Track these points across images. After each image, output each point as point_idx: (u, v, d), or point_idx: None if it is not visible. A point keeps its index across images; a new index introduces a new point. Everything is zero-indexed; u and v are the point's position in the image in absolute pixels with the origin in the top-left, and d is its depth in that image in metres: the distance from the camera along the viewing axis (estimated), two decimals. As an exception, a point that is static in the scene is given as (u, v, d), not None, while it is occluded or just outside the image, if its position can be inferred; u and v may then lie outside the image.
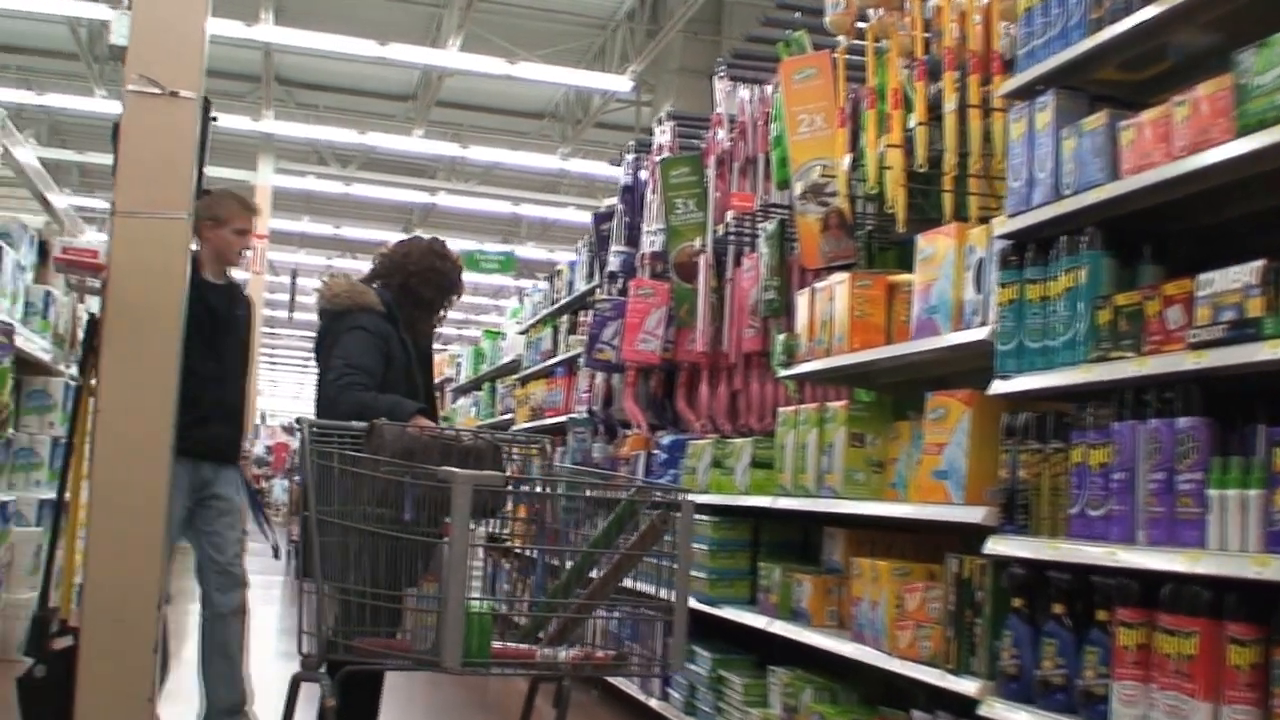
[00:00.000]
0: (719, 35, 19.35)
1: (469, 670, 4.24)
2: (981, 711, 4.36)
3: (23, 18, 20.28)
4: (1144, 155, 3.94)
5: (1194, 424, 3.70)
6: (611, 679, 8.67)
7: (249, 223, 7.04)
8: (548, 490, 5.12)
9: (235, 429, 6.96)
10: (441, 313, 6.39)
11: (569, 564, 4.75)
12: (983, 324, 4.73)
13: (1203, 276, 3.69)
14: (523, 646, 4.52)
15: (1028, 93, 4.58)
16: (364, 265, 31.42)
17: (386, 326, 6.04)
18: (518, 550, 4.80)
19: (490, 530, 4.94)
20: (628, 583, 4.71)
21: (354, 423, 4.94)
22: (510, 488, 4.76)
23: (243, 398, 7.05)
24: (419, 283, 6.22)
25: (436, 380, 22.27)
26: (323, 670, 4.45)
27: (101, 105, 20.86)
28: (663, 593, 4.52)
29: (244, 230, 6.99)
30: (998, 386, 4.49)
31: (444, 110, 23.77)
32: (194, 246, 6.71)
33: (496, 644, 4.41)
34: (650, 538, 4.52)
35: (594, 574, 4.70)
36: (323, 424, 4.81)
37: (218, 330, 6.74)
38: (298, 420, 4.60)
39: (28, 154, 9.80)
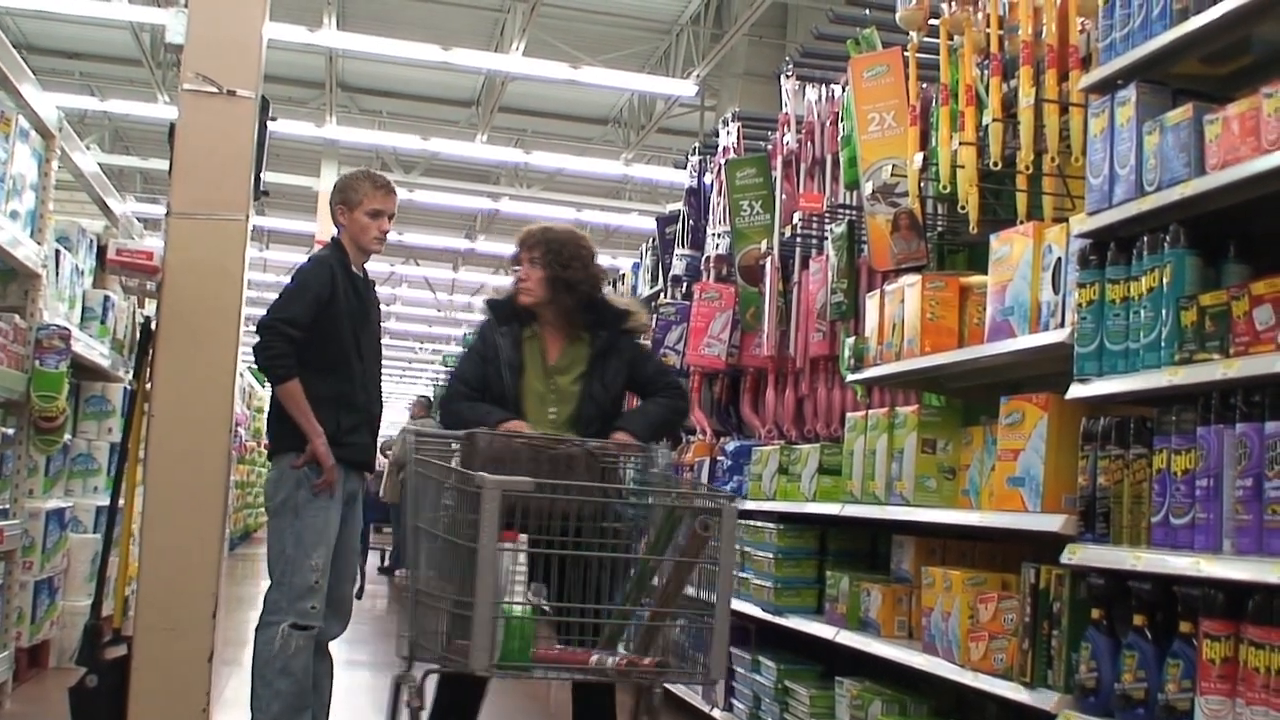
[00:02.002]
0: (784, 39, 19.28)
1: (501, 672, 4.40)
2: (1058, 726, 4.24)
3: (85, 23, 20.40)
4: (1231, 150, 3.80)
5: (1284, 428, 3.56)
6: (672, 688, 8.58)
7: (386, 202, 6.46)
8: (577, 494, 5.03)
9: (375, 437, 6.60)
10: (523, 273, 5.96)
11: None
12: (1060, 326, 4.60)
13: (1294, 274, 3.56)
14: (578, 651, 4.64)
15: (1108, 87, 4.45)
16: (426, 271, 31.27)
17: (486, 330, 6.02)
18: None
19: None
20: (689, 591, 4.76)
21: (457, 431, 5.21)
22: (541, 492, 4.68)
23: (379, 403, 6.61)
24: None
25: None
26: (410, 671, 4.64)
27: (164, 111, 20.88)
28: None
29: (380, 211, 6.42)
30: (1077, 390, 4.35)
31: (507, 116, 23.74)
32: (333, 233, 6.51)
33: (555, 648, 4.58)
34: (697, 544, 4.57)
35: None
36: (425, 433, 5.08)
37: (360, 328, 6.39)
38: (402, 430, 4.78)
39: (87, 159, 9.78)
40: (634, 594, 4.89)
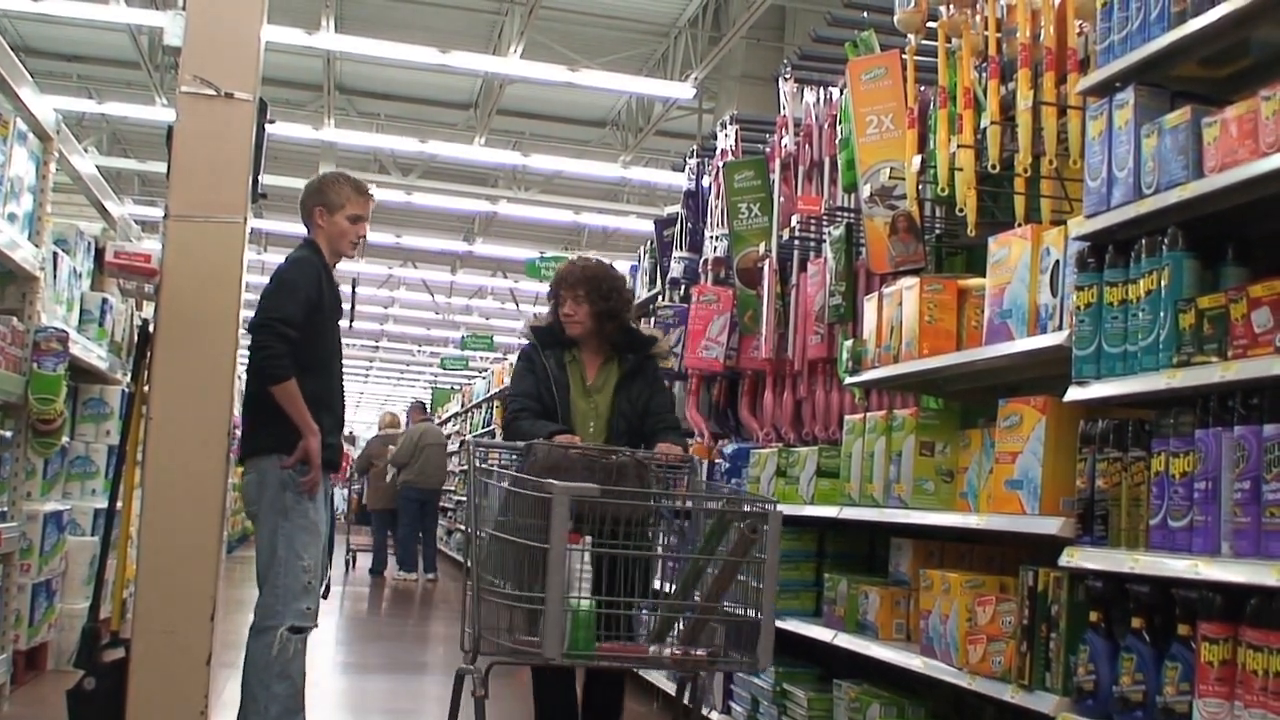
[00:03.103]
0: (781, 41, 19.28)
1: (570, 660, 4.97)
2: (1057, 729, 4.24)
3: (83, 26, 20.38)
4: (1229, 152, 3.80)
5: (1282, 431, 3.56)
6: (673, 694, 8.63)
7: (366, 208, 6.50)
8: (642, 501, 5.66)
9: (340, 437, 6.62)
10: (561, 309, 6.66)
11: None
12: (1059, 328, 4.60)
13: (1292, 277, 3.55)
14: (628, 646, 5.24)
15: (1106, 89, 4.45)
16: (424, 274, 31.18)
17: (531, 352, 6.74)
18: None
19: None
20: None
21: (517, 442, 5.87)
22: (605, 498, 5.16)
23: (344, 405, 6.65)
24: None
25: (498, 389, 22.30)
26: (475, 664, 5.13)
27: (162, 114, 20.80)
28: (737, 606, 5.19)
29: (360, 217, 6.47)
30: (1075, 393, 4.35)
31: (505, 118, 23.72)
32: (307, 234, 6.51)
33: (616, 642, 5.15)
34: (743, 546, 5.05)
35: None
36: (485, 443, 5.57)
37: (335, 330, 6.45)
38: (463, 440, 5.15)
39: (85, 161, 9.78)
40: (684, 590, 5.41)
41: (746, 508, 5.27)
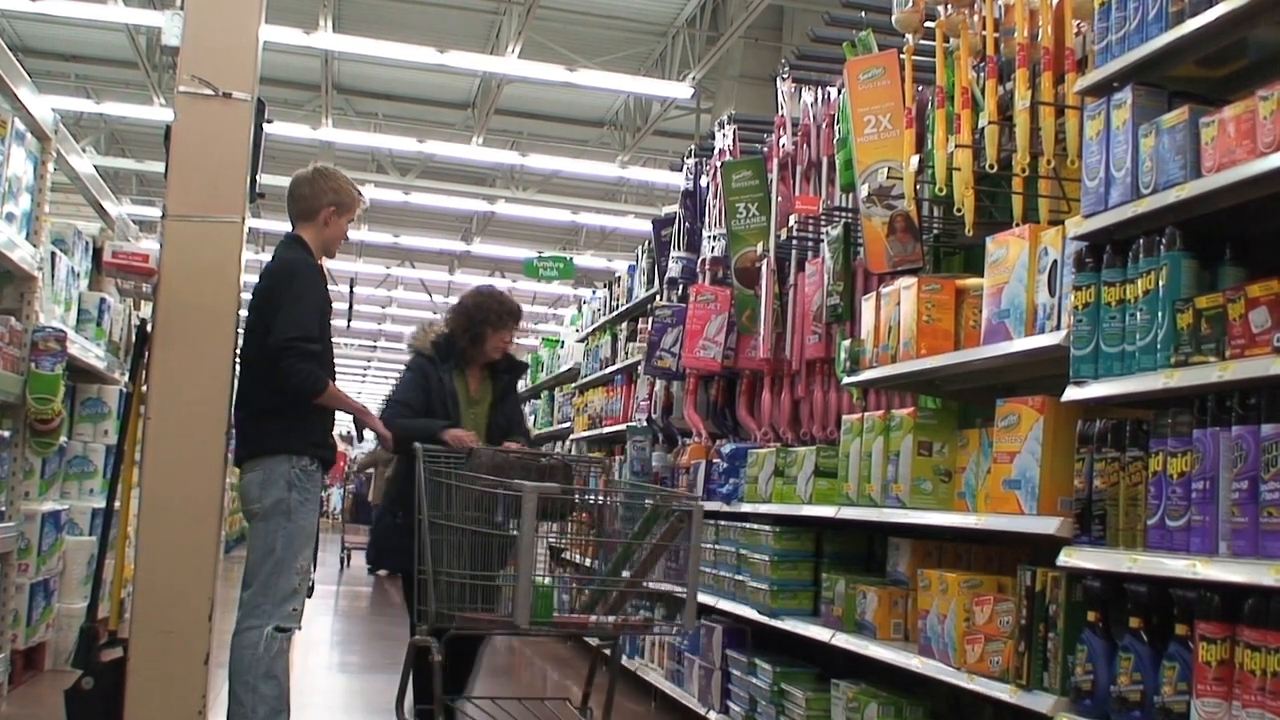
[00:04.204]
0: (779, 41, 19.27)
1: (535, 629, 5.50)
2: (1055, 729, 4.24)
3: (82, 26, 20.37)
4: (1227, 152, 3.80)
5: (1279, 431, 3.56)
6: (671, 693, 8.66)
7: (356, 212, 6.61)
8: (592, 498, 6.49)
9: None
10: (492, 336, 7.22)
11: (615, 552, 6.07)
12: (1056, 328, 4.60)
13: (1290, 277, 3.55)
14: (577, 616, 5.91)
15: (1104, 89, 4.45)
16: (422, 273, 31.27)
17: (427, 366, 7.21)
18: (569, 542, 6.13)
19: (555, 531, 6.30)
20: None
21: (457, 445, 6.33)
22: (565, 496, 5.90)
23: None
24: (466, 323, 7.28)
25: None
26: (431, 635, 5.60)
27: (160, 114, 20.80)
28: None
29: (352, 220, 6.60)
30: (1072, 393, 4.35)
31: (503, 118, 23.73)
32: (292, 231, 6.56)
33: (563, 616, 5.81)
34: (672, 533, 5.69)
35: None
36: (431, 448, 5.93)
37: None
38: (412, 446, 5.81)
39: (83, 161, 9.77)
40: (616, 568, 5.92)
41: (675, 504, 5.80)
